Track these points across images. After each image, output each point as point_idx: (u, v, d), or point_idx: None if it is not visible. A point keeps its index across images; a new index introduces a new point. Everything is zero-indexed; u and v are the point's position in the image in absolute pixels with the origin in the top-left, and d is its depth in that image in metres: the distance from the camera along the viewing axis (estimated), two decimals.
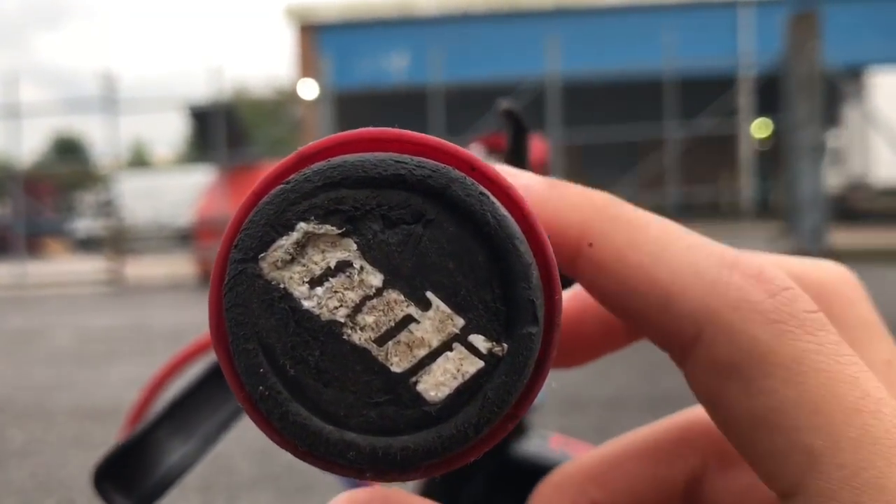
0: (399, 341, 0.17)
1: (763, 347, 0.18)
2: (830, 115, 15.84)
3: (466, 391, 0.17)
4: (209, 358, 0.45)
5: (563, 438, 0.67)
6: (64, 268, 12.32)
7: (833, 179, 15.59)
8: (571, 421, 2.66)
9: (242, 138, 10.48)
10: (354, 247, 0.17)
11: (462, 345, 0.17)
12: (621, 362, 3.56)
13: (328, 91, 10.11)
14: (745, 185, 15.04)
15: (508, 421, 0.17)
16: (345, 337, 0.17)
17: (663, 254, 0.19)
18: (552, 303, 0.17)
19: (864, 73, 17.99)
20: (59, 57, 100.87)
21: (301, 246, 0.17)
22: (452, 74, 12.85)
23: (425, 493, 0.52)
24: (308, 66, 16.55)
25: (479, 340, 0.17)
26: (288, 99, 25.77)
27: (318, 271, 0.17)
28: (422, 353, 0.17)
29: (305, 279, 0.17)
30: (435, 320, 0.17)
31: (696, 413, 0.25)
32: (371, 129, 0.18)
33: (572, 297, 0.24)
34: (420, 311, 0.17)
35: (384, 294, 0.17)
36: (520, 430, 0.54)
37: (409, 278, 0.17)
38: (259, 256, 0.17)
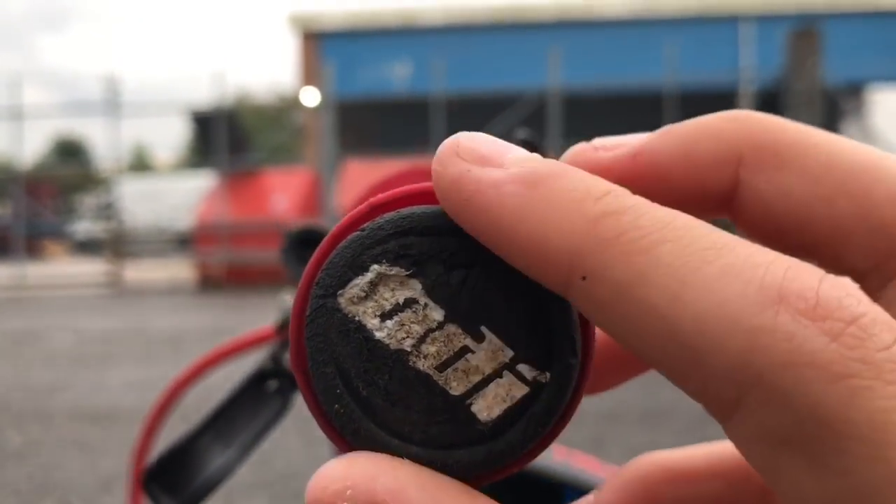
0: (457, 368, 0.19)
1: (830, 414, 0.13)
2: (830, 131, 15.87)
3: (514, 413, 0.19)
4: (233, 365, 0.47)
5: (565, 450, 0.68)
6: (63, 270, 12.32)
7: None
8: (569, 433, 2.65)
9: (244, 144, 10.51)
10: (420, 286, 0.19)
11: (511, 373, 0.19)
12: None
13: (330, 99, 10.15)
14: None
15: (549, 439, 0.20)
16: (410, 364, 0.19)
17: (683, 290, 0.14)
18: (587, 336, 0.20)
19: (864, 89, 18.10)
20: (63, 59, 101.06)
21: (374, 285, 0.19)
22: (454, 84, 12.90)
23: None
24: (311, 74, 16.62)
25: (525, 369, 0.19)
26: (290, 105, 25.85)
27: (388, 307, 0.19)
28: (476, 379, 0.19)
29: (377, 313, 0.19)
30: (488, 351, 0.19)
31: None
32: (432, 184, 0.20)
33: None
34: (475, 343, 0.19)
35: (445, 328, 0.19)
36: None
37: (467, 314, 0.19)
38: (338, 293, 0.19)
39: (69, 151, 39.72)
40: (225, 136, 9.99)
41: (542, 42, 12.59)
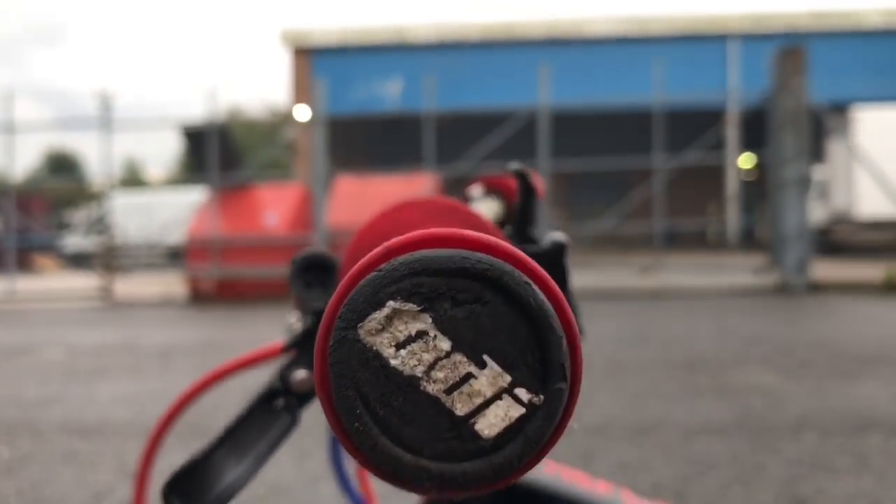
0: (462, 392, 0.22)
1: None
2: (816, 149, 16.05)
3: (512, 431, 0.22)
4: (240, 381, 0.50)
5: (555, 465, 0.72)
6: (54, 284, 12.25)
7: (817, 213, 15.78)
8: (558, 448, 2.69)
9: (236, 159, 10.51)
10: (430, 320, 0.22)
11: (509, 395, 0.22)
12: (607, 389, 3.60)
13: (322, 115, 10.19)
14: (732, 217, 15.20)
15: (542, 453, 0.23)
16: (421, 388, 0.22)
17: None
18: (576, 364, 0.23)
19: (849, 108, 18.31)
20: (56, 75, 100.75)
21: (390, 318, 0.22)
22: (445, 101, 12.98)
23: None
24: (302, 90, 16.67)
25: (522, 392, 0.22)
26: (282, 121, 25.86)
27: (402, 338, 0.22)
28: (479, 401, 0.22)
29: (392, 343, 0.22)
30: (489, 377, 0.22)
31: None
32: (441, 230, 0.24)
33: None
34: (478, 370, 0.22)
35: (452, 356, 0.22)
36: None
37: (471, 345, 0.22)
38: (358, 325, 0.22)
39: (61, 166, 39.54)
40: (217, 152, 10.00)
41: (532, 60, 12.70)
